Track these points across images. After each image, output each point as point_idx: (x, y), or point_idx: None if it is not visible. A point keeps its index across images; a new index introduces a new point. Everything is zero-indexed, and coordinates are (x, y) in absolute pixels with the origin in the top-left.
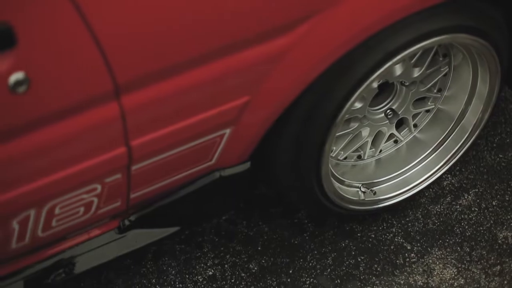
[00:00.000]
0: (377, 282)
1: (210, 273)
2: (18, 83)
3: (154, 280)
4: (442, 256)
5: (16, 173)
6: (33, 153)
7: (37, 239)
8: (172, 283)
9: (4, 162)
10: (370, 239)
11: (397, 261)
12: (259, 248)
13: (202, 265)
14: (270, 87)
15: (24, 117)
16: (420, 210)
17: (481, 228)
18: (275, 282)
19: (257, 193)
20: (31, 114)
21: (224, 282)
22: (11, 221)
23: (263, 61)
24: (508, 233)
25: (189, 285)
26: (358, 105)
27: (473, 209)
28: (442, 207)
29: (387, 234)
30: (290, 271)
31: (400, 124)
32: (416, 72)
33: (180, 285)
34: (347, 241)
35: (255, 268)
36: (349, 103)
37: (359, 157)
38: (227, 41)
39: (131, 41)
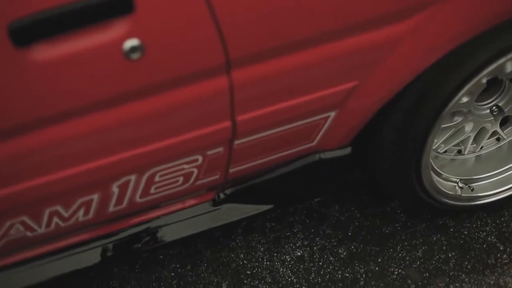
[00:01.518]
0: (466, 279)
1: (299, 253)
2: (132, 49)
3: (242, 255)
4: None
5: (123, 138)
6: (141, 119)
7: (134, 204)
8: (260, 259)
9: (113, 126)
10: (463, 236)
11: (489, 261)
12: (350, 234)
13: (291, 245)
14: (379, 74)
15: (135, 84)
16: None
17: None
18: (362, 270)
19: (352, 179)
20: (142, 81)
21: (312, 264)
22: (111, 185)
23: (376, 47)
24: None
25: (276, 263)
26: (464, 99)
27: None
28: None
29: (481, 233)
30: (379, 260)
31: (505, 122)
32: None
33: (268, 263)
34: (439, 235)
35: (344, 253)
36: (457, 96)
37: (459, 151)
38: (343, 24)
39: (247, 18)
